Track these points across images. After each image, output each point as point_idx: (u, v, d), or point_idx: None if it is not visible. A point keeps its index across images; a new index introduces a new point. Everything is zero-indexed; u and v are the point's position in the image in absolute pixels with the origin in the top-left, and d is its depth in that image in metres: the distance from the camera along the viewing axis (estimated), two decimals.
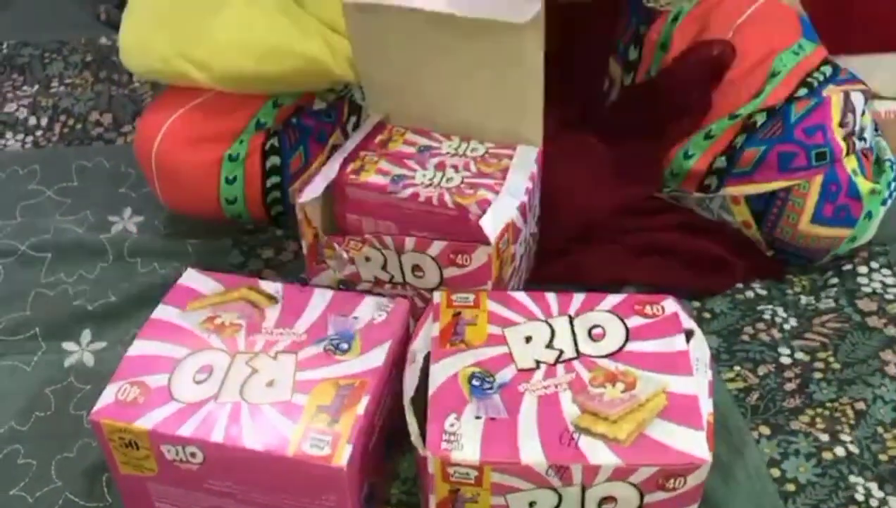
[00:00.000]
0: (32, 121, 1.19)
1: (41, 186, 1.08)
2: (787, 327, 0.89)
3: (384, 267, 0.82)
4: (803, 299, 0.92)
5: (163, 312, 0.75)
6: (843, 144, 0.87)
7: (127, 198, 1.06)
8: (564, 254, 0.92)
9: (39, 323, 0.90)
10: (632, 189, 0.94)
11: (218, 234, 0.99)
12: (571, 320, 0.73)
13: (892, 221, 0.93)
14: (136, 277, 0.95)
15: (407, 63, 0.80)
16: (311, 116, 0.96)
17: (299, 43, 0.88)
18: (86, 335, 0.90)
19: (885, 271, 0.94)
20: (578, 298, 0.75)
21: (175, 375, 0.69)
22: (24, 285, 0.95)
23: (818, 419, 0.81)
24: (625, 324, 0.72)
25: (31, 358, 0.88)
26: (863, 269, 0.94)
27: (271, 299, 0.76)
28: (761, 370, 0.85)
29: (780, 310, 0.91)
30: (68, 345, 0.89)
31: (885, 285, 0.92)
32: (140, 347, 0.72)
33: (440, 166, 0.85)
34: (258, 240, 1.00)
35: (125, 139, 1.16)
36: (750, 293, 0.92)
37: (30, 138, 1.16)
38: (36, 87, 1.25)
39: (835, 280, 0.93)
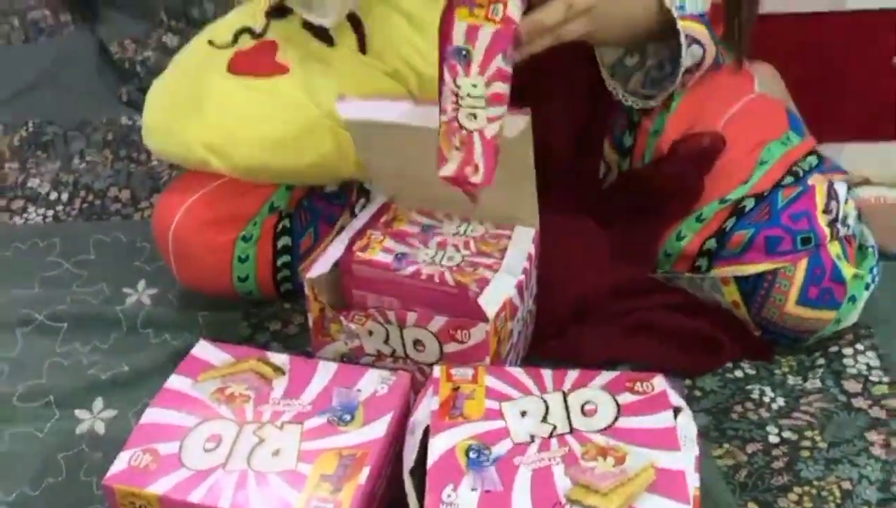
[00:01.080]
0: (54, 195, 1.24)
1: (60, 258, 1.12)
2: (774, 406, 0.91)
3: (386, 341, 0.85)
4: (790, 380, 0.94)
5: (176, 381, 0.78)
6: (827, 230, 0.90)
7: (141, 271, 1.10)
8: (560, 333, 0.95)
9: (54, 391, 0.93)
10: (627, 270, 0.98)
11: (228, 307, 1.03)
12: (565, 395, 0.76)
13: (877, 304, 0.96)
14: (148, 348, 0.99)
15: (407, 163, 0.86)
16: (321, 199, 1.01)
17: (313, 141, 0.91)
18: (98, 403, 0.92)
19: (870, 353, 0.96)
20: (572, 374, 0.78)
21: (186, 443, 0.72)
22: (41, 354, 0.98)
23: (805, 498, 0.83)
24: (616, 401, 0.75)
25: (45, 425, 0.90)
26: (848, 351, 0.97)
27: (279, 370, 0.79)
28: (750, 448, 0.87)
29: (767, 389, 0.93)
30: (81, 413, 0.91)
31: (869, 367, 0.95)
32: (153, 415, 0.75)
33: (442, 245, 0.89)
34: (266, 313, 1.03)
35: (142, 215, 1.20)
36: (739, 373, 0.95)
37: (50, 212, 1.21)
38: (58, 163, 1.30)
39: (821, 361, 0.96)
